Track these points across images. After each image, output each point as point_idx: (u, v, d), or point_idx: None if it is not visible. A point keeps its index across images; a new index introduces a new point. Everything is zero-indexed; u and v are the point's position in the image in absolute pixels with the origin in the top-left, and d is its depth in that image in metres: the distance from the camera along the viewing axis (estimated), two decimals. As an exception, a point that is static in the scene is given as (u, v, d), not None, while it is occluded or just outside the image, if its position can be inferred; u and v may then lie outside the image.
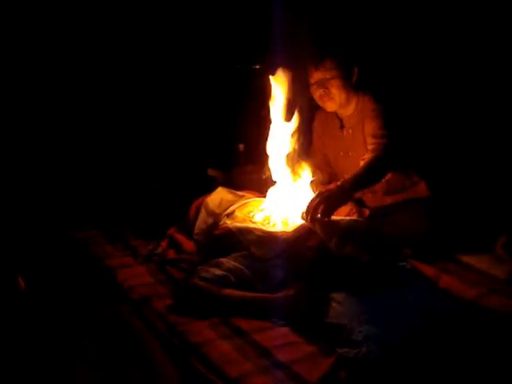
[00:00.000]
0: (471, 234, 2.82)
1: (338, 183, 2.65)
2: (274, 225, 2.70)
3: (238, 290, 2.25)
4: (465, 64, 3.34)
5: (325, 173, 3.21)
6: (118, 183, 3.74)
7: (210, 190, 3.07)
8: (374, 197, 3.00)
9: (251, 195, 3.00)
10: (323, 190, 2.65)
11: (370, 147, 2.78)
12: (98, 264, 2.75)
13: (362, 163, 2.72)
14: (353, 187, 2.64)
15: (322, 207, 2.47)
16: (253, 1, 3.97)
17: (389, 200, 2.97)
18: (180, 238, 2.90)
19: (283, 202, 2.83)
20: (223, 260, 2.40)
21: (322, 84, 2.90)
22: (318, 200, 2.49)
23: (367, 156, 2.74)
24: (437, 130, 3.39)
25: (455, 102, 3.40)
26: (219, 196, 2.97)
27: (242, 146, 4.04)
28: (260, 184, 3.05)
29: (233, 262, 2.37)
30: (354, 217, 2.88)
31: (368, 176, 2.71)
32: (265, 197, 2.92)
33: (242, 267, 2.36)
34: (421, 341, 1.93)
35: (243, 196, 2.98)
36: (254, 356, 1.87)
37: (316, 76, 2.91)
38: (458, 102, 3.39)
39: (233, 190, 3.04)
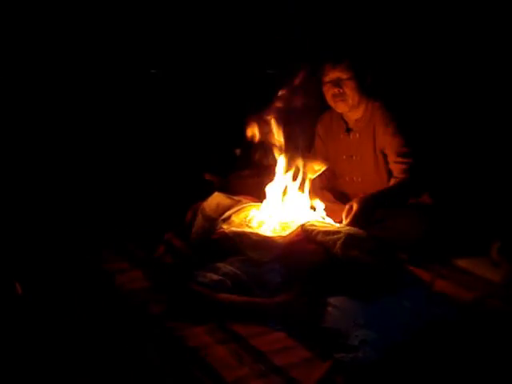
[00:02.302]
0: (467, 239, 2.83)
1: (369, 195, 2.80)
2: (270, 229, 2.71)
3: (234, 294, 2.25)
4: (464, 74, 3.38)
5: (323, 176, 3.21)
6: (115, 187, 3.74)
7: (206, 194, 3.07)
8: None
9: (248, 200, 3.00)
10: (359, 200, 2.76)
11: (397, 167, 2.87)
12: (96, 268, 2.75)
13: (393, 182, 2.86)
14: (383, 201, 2.80)
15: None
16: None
17: None
18: (177, 242, 2.90)
19: (279, 207, 2.84)
20: (220, 265, 2.40)
21: (337, 83, 2.92)
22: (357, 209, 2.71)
23: (400, 176, 2.84)
24: (434, 137, 3.41)
25: (451, 113, 3.43)
26: (216, 201, 2.97)
27: (238, 151, 4.04)
28: (257, 189, 3.05)
29: (229, 267, 2.38)
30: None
31: (399, 196, 2.85)
32: (261, 202, 2.93)
33: (239, 272, 2.36)
34: (417, 345, 1.93)
35: (240, 201, 2.98)
36: (250, 361, 1.87)
37: (332, 74, 2.93)
38: (454, 113, 3.42)
39: (229, 195, 3.05)
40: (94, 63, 3.84)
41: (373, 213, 2.76)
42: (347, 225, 2.68)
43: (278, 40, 3.51)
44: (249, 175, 3.72)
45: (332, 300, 2.19)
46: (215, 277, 2.30)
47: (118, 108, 3.96)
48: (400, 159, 2.86)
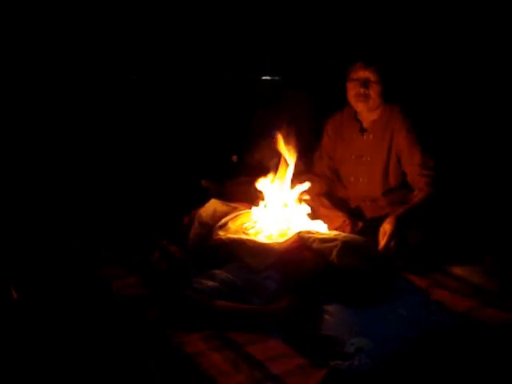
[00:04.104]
0: (463, 247, 2.83)
1: (397, 212, 2.76)
2: (267, 236, 2.71)
3: (230, 301, 2.24)
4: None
5: (322, 181, 3.20)
6: (111, 193, 3.73)
7: (203, 201, 3.07)
8: (373, 205, 3.03)
9: (244, 207, 3.00)
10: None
11: (422, 180, 2.87)
12: (92, 274, 2.74)
13: (418, 195, 2.84)
14: (413, 219, 2.78)
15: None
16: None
17: (387, 209, 2.98)
18: (173, 249, 2.90)
19: (275, 213, 2.84)
20: (216, 271, 2.39)
21: (365, 84, 2.94)
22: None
23: (425, 189, 2.84)
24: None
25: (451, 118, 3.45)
26: (212, 207, 2.96)
27: (235, 158, 4.05)
28: (253, 195, 3.05)
29: (226, 274, 2.37)
30: (348, 228, 2.90)
31: (424, 210, 2.82)
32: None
33: (235, 279, 2.35)
34: (414, 353, 1.93)
35: (236, 208, 2.98)
36: (246, 368, 1.86)
37: (362, 73, 2.95)
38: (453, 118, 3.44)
39: (226, 202, 3.04)
40: (93, 65, 3.85)
41: (404, 232, 2.73)
42: (383, 248, 2.67)
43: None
44: (245, 181, 3.73)
45: (328, 307, 2.19)
46: (211, 284, 2.30)
47: (115, 114, 3.96)
48: (425, 172, 2.87)
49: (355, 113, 3.12)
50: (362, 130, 3.08)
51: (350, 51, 3.53)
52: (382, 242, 2.68)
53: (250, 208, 2.97)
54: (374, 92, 2.94)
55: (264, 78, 4.39)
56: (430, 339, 2.02)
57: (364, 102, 2.97)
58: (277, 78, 4.38)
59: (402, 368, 1.85)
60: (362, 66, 2.95)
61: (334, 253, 2.39)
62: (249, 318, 2.18)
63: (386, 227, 2.70)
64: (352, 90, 3.00)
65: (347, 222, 2.93)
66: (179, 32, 4.08)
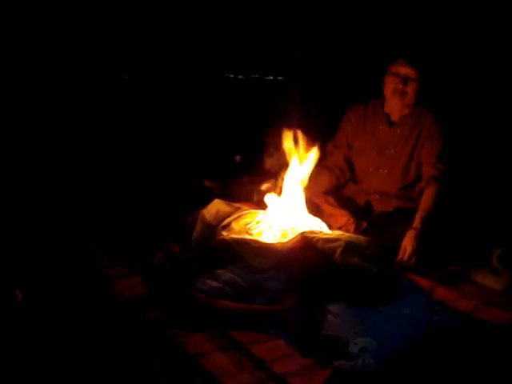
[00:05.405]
0: (467, 246, 2.83)
1: (415, 225, 2.77)
2: (271, 236, 2.71)
3: (234, 301, 2.25)
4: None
5: (332, 175, 3.20)
6: (115, 193, 3.74)
7: (206, 201, 3.07)
8: (383, 199, 3.04)
9: (247, 207, 3.01)
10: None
11: (432, 172, 2.91)
12: (95, 274, 2.74)
13: (427, 196, 2.87)
14: (427, 220, 2.79)
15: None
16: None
17: (395, 204, 3.01)
18: (176, 249, 2.90)
19: (279, 214, 2.84)
20: (220, 272, 2.40)
21: (405, 81, 2.96)
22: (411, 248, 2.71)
23: (432, 184, 2.88)
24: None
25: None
26: (215, 208, 2.97)
27: (238, 158, 4.05)
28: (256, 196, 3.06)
29: (229, 274, 2.37)
30: (352, 227, 2.90)
31: (435, 207, 2.85)
32: (261, 209, 2.93)
33: (239, 279, 2.35)
34: (417, 353, 1.93)
35: (239, 208, 2.98)
36: (250, 368, 1.87)
37: (403, 69, 2.97)
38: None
39: (229, 202, 3.05)
40: (95, 66, 3.85)
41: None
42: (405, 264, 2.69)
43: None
44: (248, 181, 3.73)
45: (332, 307, 2.19)
46: (215, 284, 2.30)
47: (118, 115, 3.97)
48: (438, 165, 2.91)
49: (383, 105, 3.13)
50: (390, 123, 3.09)
51: (356, 51, 3.52)
52: (404, 259, 2.70)
53: (253, 208, 2.97)
54: (411, 90, 2.97)
55: (267, 77, 4.40)
56: (434, 339, 2.02)
57: (400, 98, 2.99)
58: (280, 77, 4.38)
59: (406, 368, 1.85)
60: (404, 62, 2.97)
61: (338, 253, 2.39)
62: (252, 318, 2.18)
63: (408, 247, 2.71)
64: (390, 84, 3.02)
65: (351, 220, 2.93)
66: (180, 31, 4.08)
